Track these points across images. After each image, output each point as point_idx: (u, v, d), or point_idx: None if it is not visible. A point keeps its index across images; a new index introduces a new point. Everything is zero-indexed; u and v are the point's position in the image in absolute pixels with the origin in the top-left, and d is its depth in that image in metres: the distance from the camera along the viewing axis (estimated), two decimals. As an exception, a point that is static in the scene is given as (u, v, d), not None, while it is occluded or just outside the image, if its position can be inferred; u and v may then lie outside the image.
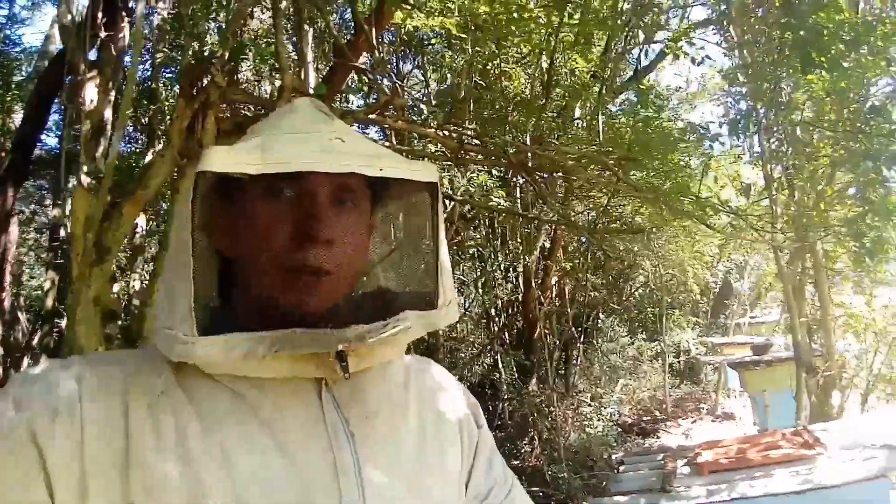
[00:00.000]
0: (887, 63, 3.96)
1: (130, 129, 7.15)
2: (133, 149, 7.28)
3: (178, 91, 3.39)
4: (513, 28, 4.30)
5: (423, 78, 8.55)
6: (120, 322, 2.97)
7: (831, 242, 4.96)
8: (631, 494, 4.15)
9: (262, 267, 0.61)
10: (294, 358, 0.60)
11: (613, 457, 7.51)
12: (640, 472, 4.55)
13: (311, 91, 3.45)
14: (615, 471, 5.64)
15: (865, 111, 3.70)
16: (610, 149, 4.40)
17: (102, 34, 4.25)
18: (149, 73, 6.68)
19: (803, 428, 4.35)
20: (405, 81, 8.84)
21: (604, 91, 4.56)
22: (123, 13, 4.57)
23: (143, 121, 6.99)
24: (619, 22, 4.58)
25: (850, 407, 7.00)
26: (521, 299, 9.47)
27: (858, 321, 6.28)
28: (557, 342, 10.46)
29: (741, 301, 12.69)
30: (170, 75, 6.74)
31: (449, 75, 7.08)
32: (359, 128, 4.09)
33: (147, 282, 5.46)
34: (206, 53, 3.78)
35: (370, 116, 3.64)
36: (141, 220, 6.08)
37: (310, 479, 0.59)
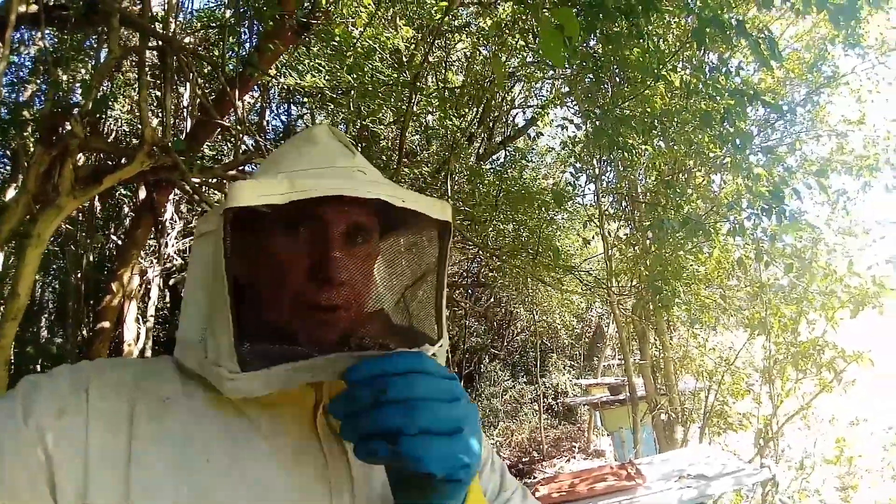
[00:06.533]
0: (688, 145, 4.74)
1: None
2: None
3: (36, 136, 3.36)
4: (376, 95, 4.72)
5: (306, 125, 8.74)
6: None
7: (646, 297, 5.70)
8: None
9: (280, 301, 0.64)
10: None
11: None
12: (489, 509, 4.83)
13: (170, 145, 3.57)
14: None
15: (665, 184, 4.43)
16: (465, 208, 4.84)
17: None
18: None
19: (629, 462, 4.83)
20: (288, 130, 9.03)
21: (454, 154, 5.01)
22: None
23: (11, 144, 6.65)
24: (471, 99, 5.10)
25: (693, 439, 7.81)
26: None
27: (691, 362, 7.13)
28: (441, 387, 10.69)
29: (611, 343, 13.70)
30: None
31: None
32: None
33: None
34: (69, 102, 3.76)
35: (229, 172, 3.81)
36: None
37: (306, 493, 0.61)
